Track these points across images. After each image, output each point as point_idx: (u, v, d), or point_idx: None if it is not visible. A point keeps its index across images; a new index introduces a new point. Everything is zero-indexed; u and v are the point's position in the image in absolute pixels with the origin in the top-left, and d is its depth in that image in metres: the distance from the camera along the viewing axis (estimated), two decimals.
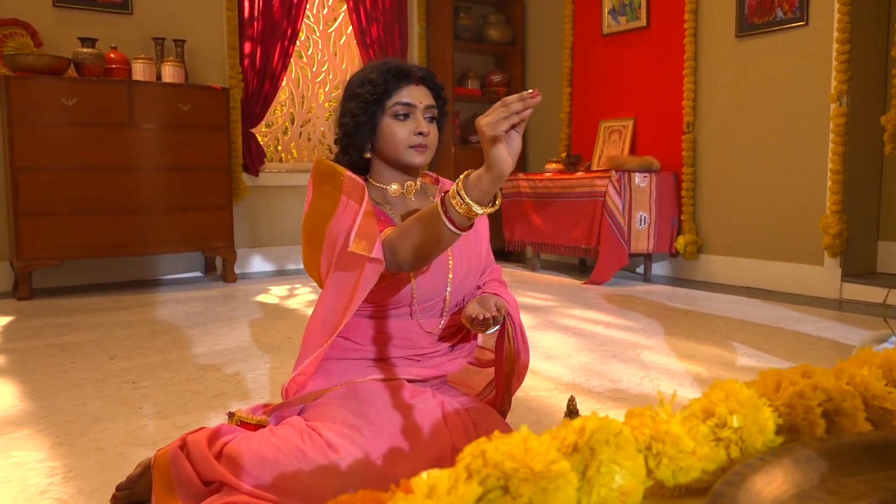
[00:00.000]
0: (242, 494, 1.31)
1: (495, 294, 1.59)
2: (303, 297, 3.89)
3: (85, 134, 3.83)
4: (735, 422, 0.47)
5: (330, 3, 5.43)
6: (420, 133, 1.48)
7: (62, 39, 4.12)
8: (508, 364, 1.59)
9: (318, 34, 5.43)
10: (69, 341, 2.86)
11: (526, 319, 3.24)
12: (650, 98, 4.70)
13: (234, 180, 4.61)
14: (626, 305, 3.60)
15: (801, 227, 3.90)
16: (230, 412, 1.60)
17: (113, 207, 3.93)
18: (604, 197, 4.22)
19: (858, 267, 3.82)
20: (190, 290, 4.15)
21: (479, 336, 1.74)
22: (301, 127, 5.41)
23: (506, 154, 1.13)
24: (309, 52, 5.40)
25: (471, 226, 1.25)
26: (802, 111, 3.86)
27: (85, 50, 3.92)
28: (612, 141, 4.92)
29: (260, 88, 4.85)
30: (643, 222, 4.36)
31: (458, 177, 1.22)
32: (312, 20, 5.36)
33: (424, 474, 0.37)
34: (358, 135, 1.50)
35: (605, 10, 4.96)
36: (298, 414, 1.49)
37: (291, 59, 5.07)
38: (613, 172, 4.25)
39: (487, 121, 1.11)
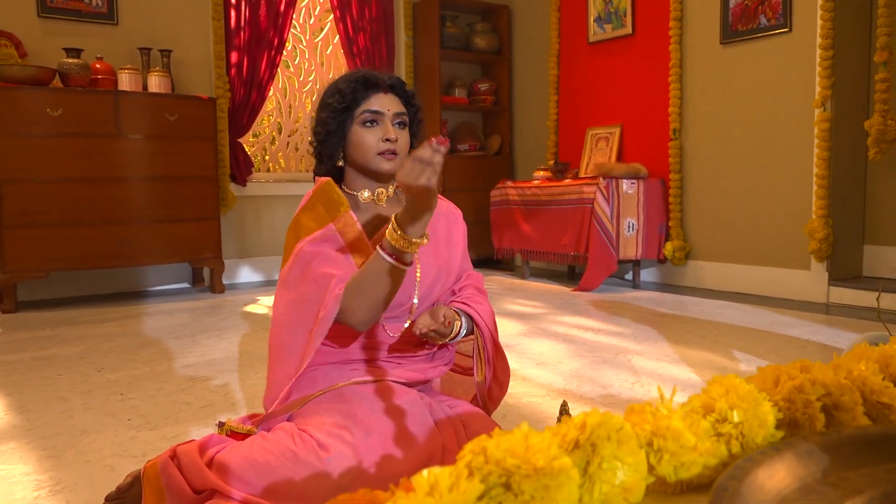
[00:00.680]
0: (234, 502, 1.30)
1: (460, 302, 1.60)
2: None
3: (71, 145, 3.80)
4: (735, 417, 0.47)
5: (317, 13, 5.44)
6: (388, 139, 1.49)
7: (47, 50, 4.10)
8: (480, 373, 1.60)
9: (304, 44, 5.43)
10: (55, 354, 2.83)
11: (515, 326, 3.24)
12: (636, 105, 4.73)
13: (222, 190, 4.58)
14: (616, 312, 3.60)
15: (787, 232, 3.93)
16: (220, 422, 1.59)
17: (99, 219, 3.90)
18: (592, 204, 4.24)
19: (845, 271, 3.85)
20: (177, 302, 4.12)
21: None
22: (288, 136, 5.40)
23: (424, 194, 1.27)
24: (296, 62, 5.40)
25: (410, 262, 1.37)
26: (787, 117, 3.89)
27: (70, 60, 3.90)
28: (600, 148, 4.95)
29: (247, 98, 4.84)
30: (631, 229, 4.37)
31: (393, 218, 1.35)
32: (299, 30, 5.37)
33: (425, 472, 0.36)
34: (329, 143, 1.53)
35: (591, 18, 4.99)
36: (286, 421, 1.48)
37: (278, 69, 5.06)
38: (601, 179, 4.26)
39: (405, 174, 1.25)
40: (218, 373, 2.49)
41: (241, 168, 4.84)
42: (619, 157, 4.81)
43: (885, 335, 1.90)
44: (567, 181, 4.52)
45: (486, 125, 6.00)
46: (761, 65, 4.01)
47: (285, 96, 5.35)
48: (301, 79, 5.43)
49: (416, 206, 1.29)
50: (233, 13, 4.79)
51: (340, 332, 1.55)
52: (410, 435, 1.36)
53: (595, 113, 5.04)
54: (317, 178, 1.64)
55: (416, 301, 1.57)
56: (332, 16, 5.35)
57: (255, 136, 5.24)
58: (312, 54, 5.47)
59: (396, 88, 1.55)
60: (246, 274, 4.94)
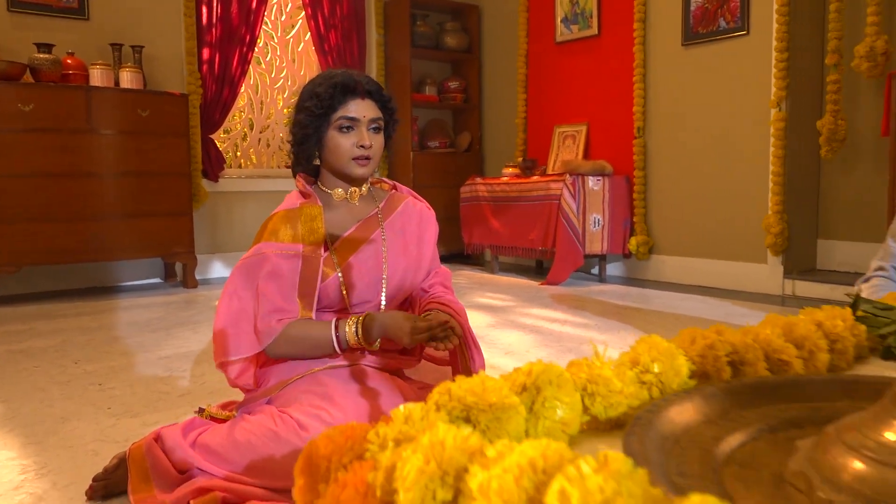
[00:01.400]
0: (217, 480, 1.38)
1: (437, 303, 1.66)
2: None
3: (42, 140, 3.81)
4: (656, 368, 0.56)
5: (288, 10, 5.48)
6: (362, 146, 1.56)
7: (17, 44, 4.09)
8: (465, 371, 1.68)
9: (276, 40, 5.46)
10: (30, 346, 2.86)
11: (485, 319, 3.35)
12: (602, 104, 4.86)
13: (194, 186, 4.61)
14: (582, 304, 3.73)
15: (745, 227, 4.09)
16: (200, 408, 1.66)
17: (71, 214, 3.92)
18: (559, 200, 4.35)
19: (799, 264, 4.02)
20: (151, 297, 4.15)
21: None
22: (260, 133, 5.43)
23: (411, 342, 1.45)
24: (267, 59, 5.44)
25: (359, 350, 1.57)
26: (745, 116, 4.05)
27: (41, 55, 3.90)
28: (567, 146, 5.07)
29: (219, 94, 4.87)
30: (597, 224, 4.50)
31: (356, 318, 1.51)
32: (270, 27, 5.40)
33: (402, 406, 0.45)
34: (306, 145, 1.59)
35: (559, 19, 5.11)
36: (266, 404, 1.56)
37: (250, 66, 5.10)
38: (568, 176, 4.38)
39: (415, 332, 1.43)
40: (194, 364, 2.55)
41: (213, 164, 4.87)
42: (586, 155, 4.94)
43: None
44: (535, 178, 4.64)
45: (457, 122, 6.10)
46: (720, 66, 4.16)
47: (257, 93, 5.38)
48: (273, 75, 5.47)
49: (395, 337, 1.47)
50: (204, 10, 4.82)
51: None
52: (384, 414, 1.45)
53: (562, 111, 5.16)
54: (296, 175, 1.71)
55: (383, 301, 1.65)
56: (303, 13, 5.39)
57: (226, 132, 5.27)
58: (284, 51, 5.51)
59: (373, 94, 1.61)
60: (218, 269, 4.97)
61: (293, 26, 5.53)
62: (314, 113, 1.57)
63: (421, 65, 5.79)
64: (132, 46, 4.33)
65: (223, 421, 1.56)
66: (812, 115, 3.90)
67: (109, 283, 4.55)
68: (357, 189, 1.67)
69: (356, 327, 1.50)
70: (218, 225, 4.97)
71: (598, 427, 0.55)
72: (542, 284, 4.46)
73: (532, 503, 0.34)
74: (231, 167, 5.26)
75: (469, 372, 1.68)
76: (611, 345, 2.76)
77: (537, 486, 0.34)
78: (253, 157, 5.42)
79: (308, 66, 5.57)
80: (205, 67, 4.81)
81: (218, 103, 4.88)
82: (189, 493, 1.35)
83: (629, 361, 0.58)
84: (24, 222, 3.79)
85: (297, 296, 1.55)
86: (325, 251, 1.61)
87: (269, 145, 5.46)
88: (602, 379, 0.53)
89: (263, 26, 5.22)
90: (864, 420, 0.42)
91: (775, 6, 3.82)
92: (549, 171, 5.01)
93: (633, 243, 4.62)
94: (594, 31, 4.87)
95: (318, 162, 1.66)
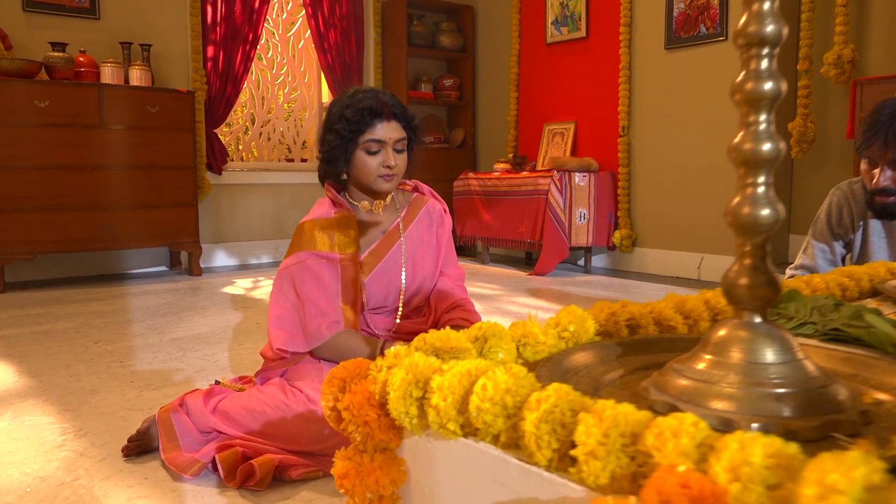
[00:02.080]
0: (236, 439, 1.61)
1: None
2: (267, 289, 4.16)
3: (56, 134, 4.02)
4: (571, 327, 0.79)
5: (289, 8, 5.69)
6: (388, 166, 1.75)
7: (32, 43, 4.30)
8: None
9: (277, 38, 5.67)
10: (52, 328, 3.09)
11: (475, 307, 3.57)
12: (589, 103, 5.09)
13: (199, 178, 4.83)
14: (566, 294, 3.97)
15: (722, 222, 4.31)
16: (216, 381, 1.89)
17: (83, 204, 4.14)
18: (546, 195, 4.59)
19: (772, 257, 4.25)
20: (158, 283, 4.37)
21: None
22: (261, 127, 5.65)
23: None
24: (269, 55, 5.65)
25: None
26: (723, 117, 4.28)
27: (55, 54, 4.11)
28: (556, 143, 5.30)
29: (223, 91, 5.08)
30: (583, 218, 4.74)
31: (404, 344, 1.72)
32: (272, 24, 5.61)
33: (392, 348, 0.67)
34: (335, 164, 1.78)
35: (549, 21, 5.33)
36: (280, 376, 1.79)
37: (252, 63, 5.31)
38: (555, 172, 4.62)
39: None
40: (205, 345, 2.78)
41: (217, 157, 5.09)
42: (574, 152, 5.17)
43: None
44: (524, 173, 4.87)
45: (451, 119, 6.32)
46: (701, 69, 4.39)
47: (258, 88, 5.59)
48: (273, 71, 5.68)
49: None
50: (209, 9, 5.02)
51: None
52: None
53: (552, 109, 5.39)
54: (325, 184, 1.88)
55: (401, 306, 1.88)
56: (303, 11, 5.60)
57: (227, 126, 5.48)
58: (285, 48, 5.72)
59: (398, 115, 1.77)
60: (221, 258, 5.20)
61: (294, 24, 5.73)
62: (343, 135, 1.73)
63: (417, 63, 6.00)
64: (141, 45, 4.54)
65: (238, 392, 1.79)
66: (784, 117, 4.13)
67: (118, 271, 4.77)
68: (381, 201, 1.86)
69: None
70: (221, 215, 5.20)
71: (529, 366, 0.78)
72: (529, 275, 4.70)
73: (466, 393, 0.57)
74: (233, 160, 5.48)
75: None
76: None
77: (471, 383, 0.57)
78: (255, 150, 5.64)
79: (308, 63, 5.78)
80: (209, 65, 5.02)
81: (222, 99, 5.09)
82: (213, 449, 1.58)
83: (553, 322, 0.81)
84: (39, 212, 4.01)
85: (342, 301, 1.74)
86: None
87: (269, 139, 5.68)
88: (532, 334, 0.76)
89: (265, 24, 5.43)
90: (687, 357, 0.65)
91: None
92: (539, 167, 5.24)
93: (617, 236, 4.86)
94: (582, 33, 5.09)
95: (345, 177, 1.83)
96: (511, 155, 5.49)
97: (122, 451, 1.69)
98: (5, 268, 4.11)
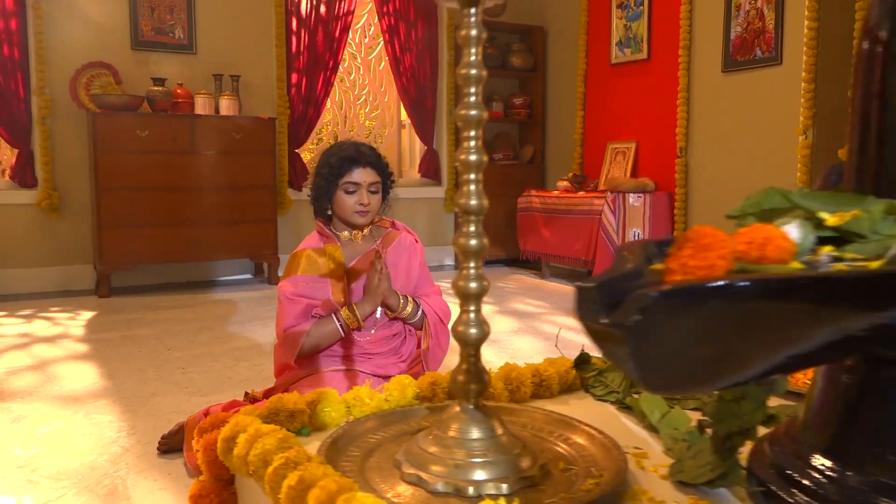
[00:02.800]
0: None
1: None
2: None
3: (154, 160, 4.60)
4: (394, 393, 1.06)
5: (371, 33, 6.09)
6: (362, 204, 2.11)
7: (138, 77, 4.90)
8: (425, 342, 2.19)
9: (359, 60, 6.09)
10: (136, 334, 3.60)
11: (510, 324, 3.80)
12: (650, 123, 5.18)
13: (280, 195, 5.31)
14: None
15: None
16: (246, 392, 2.26)
17: (176, 221, 4.70)
18: (600, 215, 4.74)
19: None
20: (241, 291, 4.88)
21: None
22: None
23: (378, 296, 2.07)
24: (351, 77, 6.08)
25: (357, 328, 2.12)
26: (775, 142, 4.29)
27: (156, 88, 4.69)
28: (618, 162, 5.42)
29: (304, 114, 5.55)
30: (637, 238, 4.85)
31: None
32: (354, 48, 6.03)
33: (349, 310, 0.96)
34: (322, 200, 2.17)
35: (613, 42, 5.45)
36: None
37: (335, 85, 5.74)
38: (609, 193, 4.76)
39: (370, 285, 2.06)
40: (257, 355, 3.19)
41: (298, 175, 5.56)
42: (634, 171, 5.28)
43: None
44: (581, 193, 5.04)
45: (521, 136, 6.54)
46: (755, 93, 4.41)
47: (342, 108, 6.03)
48: (356, 92, 6.11)
49: (372, 302, 2.07)
50: (294, 39, 5.49)
51: None
52: None
53: (615, 129, 5.51)
54: (316, 219, 2.27)
55: (378, 315, 2.19)
56: (382, 38, 5.98)
57: (313, 144, 5.95)
58: (366, 70, 6.13)
59: (372, 163, 2.16)
60: None
61: (374, 48, 6.13)
62: (327, 178, 2.13)
63: (489, 82, 6.22)
64: (231, 76, 5.06)
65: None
66: (836, 144, 4.09)
67: (209, 278, 5.33)
68: (359, 231, 2.22)
69: (346, 309, 2.09)
70: (300, 228, 5.66)
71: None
72: None
73: (251, 449, 0.86)
74: None
75: (425, 356, 2.20)
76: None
77: (252, 444, 0.86)
78: None
79: (388, 84, 6.16)
80: (293, 91, 5.49)
81: (303, 122, 5.55)
82: None
83: (385, 397, 1.08)
84: (139, 228, 4.59)
85: (332, 297, 2.13)
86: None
87: None
88: (360, 398, 1.04)
89: (348, 48, 5.85)
90: (426, 431, 0.91)
91: (804, 39, 4.04)
92: (601, 186, 5.38)
93: None
94: (644, 55, 5.19)
95: (330, 212, 2.22)
96: (572, 174, 5.65)
97: (157, 447, 2.09)
98: (111, 276, 4.73)
